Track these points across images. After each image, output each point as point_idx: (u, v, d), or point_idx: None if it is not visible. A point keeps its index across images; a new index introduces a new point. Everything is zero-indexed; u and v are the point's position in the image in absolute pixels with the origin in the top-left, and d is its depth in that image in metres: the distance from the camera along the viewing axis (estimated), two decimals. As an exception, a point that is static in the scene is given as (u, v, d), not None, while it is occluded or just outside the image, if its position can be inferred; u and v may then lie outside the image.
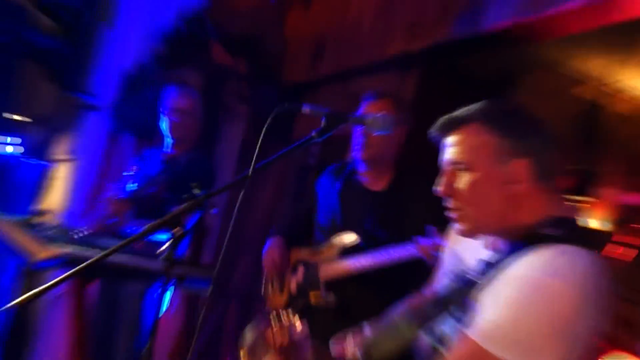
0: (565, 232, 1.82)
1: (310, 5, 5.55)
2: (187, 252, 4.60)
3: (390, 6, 4.55)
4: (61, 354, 3.91)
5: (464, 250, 2.22)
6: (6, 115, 4.96)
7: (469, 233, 1.99)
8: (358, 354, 2.20)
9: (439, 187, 2.00)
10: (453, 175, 1.96)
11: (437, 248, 3.12)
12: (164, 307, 4.84)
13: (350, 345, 2.25)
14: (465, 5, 3.82)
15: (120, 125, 5.70)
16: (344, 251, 3.52)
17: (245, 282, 5.47)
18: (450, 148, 1.98)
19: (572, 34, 3.82)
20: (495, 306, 1.79)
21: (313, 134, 2.25)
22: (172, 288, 4.55)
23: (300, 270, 3.67)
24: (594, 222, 5.92)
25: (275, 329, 2.03)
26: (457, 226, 2.00)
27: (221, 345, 5.64)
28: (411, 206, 3.50)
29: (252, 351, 2.14)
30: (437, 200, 3.13)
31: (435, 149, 2.79)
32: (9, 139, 4.99)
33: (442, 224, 2.75)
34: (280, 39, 5.72)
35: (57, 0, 4.78)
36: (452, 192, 1.97)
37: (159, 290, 3.15)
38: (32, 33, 4.73)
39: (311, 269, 3.65)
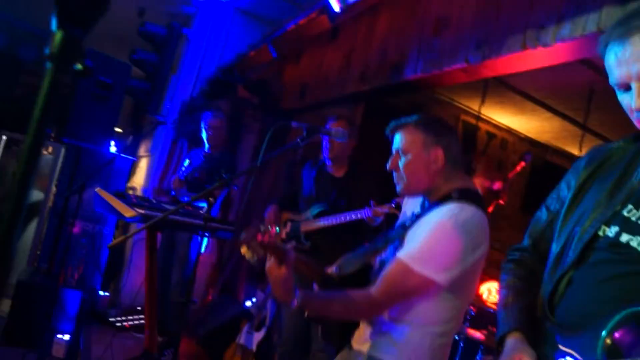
0: (465, 196, 1.95)
1: (299, 62, 5.81)
2: (219, 214, 4.99)
3: (348, 63, 4.73)
4: (141, 279, 3.85)
5: (408, 209, 2.27)
6: (115, 128, 5.33)
7: (405, 193, 2.14)
8: (334, 269, 2.18)
9: (389, 165, 2.12)
10: (397, 157, 2.10)
11: (380, 214, 3.36)
12: (203, 249, 5.44)
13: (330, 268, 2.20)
14: (393, 63, 3.96)
15: (178, 134, 6.16)
16: (317, 214, 3.67)
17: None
18: (396, 141, 2.11)
19: (458, 83, 4.21)
20: (416, 239, 1.94)
21: (298, 140, 2.49)
22: (207, 237, 4.88)
23: (288, 225, 3.80)
24: None
25: (265, 234, 1.86)
26: (398, 188, 2.13)
27: (240, 277, 5.97)
28: (359, 186, 3.72)
29: (250, 247, 2.00)
30: (375, 183, 3.68)
31: (374, 153, 3.39)
32: (112, 143, 5.30)
33: (379, 198, 3.42)
34: (280, 82, 6.07)
35: (144, 57, 5.14)
36: (396, 167, 2.10)
37: (200, 238, 3.83)
38: (129, 79, 5.13)
39: (295, 225, 3.77)
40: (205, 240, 5.50)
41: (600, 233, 1.37)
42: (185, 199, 4.79)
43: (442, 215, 1.92)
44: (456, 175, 2.08)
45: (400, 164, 2.09)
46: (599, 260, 1.36)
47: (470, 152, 6.15)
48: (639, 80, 1.26)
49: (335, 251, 2.36)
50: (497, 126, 7.13)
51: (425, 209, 2.05)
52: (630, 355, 1.14)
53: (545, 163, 7.51)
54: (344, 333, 2.20)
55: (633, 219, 1.33)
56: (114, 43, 6.29)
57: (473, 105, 6.30)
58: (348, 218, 3.47)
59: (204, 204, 3.24)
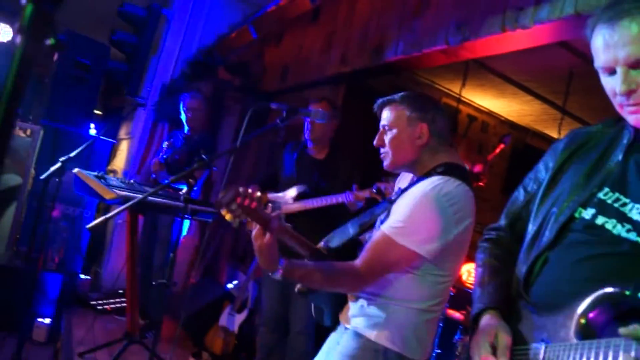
0: (450, 170, 1.98)
1: (280, 43, 5.78)
2: (200, 196, 5.02)
3: (329, 45, 4.71)
4: (122, 262, 3.90)
5: (397, 185, 2.31)
6: (95, 111, 5.23)
7: (391, 168, 2.14)
8: (322, 243, 2.21)
9: (376, 141, 2.13)
10: (383, 133, 2.11)
11: (362, 198, 3.35)
12: (184, 232, 5.54)
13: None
14: (374, 45, 3.95)
15: (159, 116, 6.10)
16: (297, 197, 3.64)
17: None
18: (382, 118, 2.13)
19: (439, 65, 4.21)
20: (399, 212, 1.95)
21: (277, 121, 2.46)
22: (194, 219, 4.98)
23: (269, 206, 3.56)
24: None
25: (245, 197, 1.81)
26: (384, 164, 2.14)
27: (221, 259, 6.00)
28: (340, 168, 3.73)
29: (230, 210, 1.86)
30: (356, 165, 3.68)
31: (355, 135, 3.36)
32: (92, 125, 5.32)
33: (360, 180, 3.45)
34: (260, 64, 6.03)
35: (124, 38, 5.08)
36: (382, 143, 2.12)
37: (181, 220, 3.80)
38: (108, 60, 5.14)
39: (276, 206, 3.75)
40: (187, 222, 5.52)
41: (577, 215, 1.38)
42: (165, 181, 4.75)
43: (425, 188, 1.93)
44: (442, 150, 2.09)
45: (386, 139, 2.10)
46: (574, 241, 1.37)
47: (452, 135, 5.95)
48: (625, 65, 1.26)
49: (316, 234, 2.32)
50: (477, 109, 7.15)
51: (411, 184, 2.07)
52: (603, 335, 1.14)
53: (525, 146, 7.55)
54: (335, 312, 2.21)
55: (609, 201, 1.34)
56: (92, 24, 6.12)
57: (454, 88, 6.29)
58: (329, 201, 3.47)
59: (184, 186, 3.19)
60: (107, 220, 2.63)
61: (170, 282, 3.13)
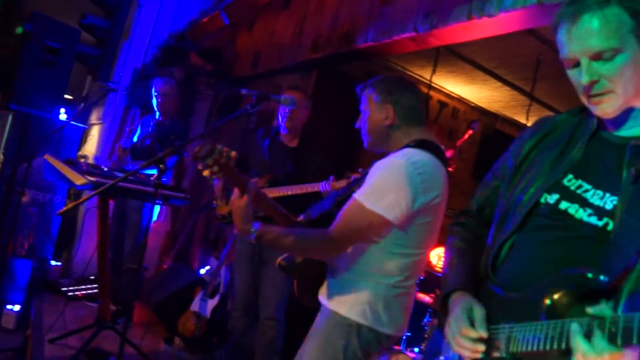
0: (422, 144, 2.06)
1: (252, 29, 5.77)
2: (171, 181, 5.05)
3: (300, 31, 4.75)
4: (93, 247, 3.83)
5: None
6: (65, 95, 5.16)
7: (369, 148, 2.27)
8: (301, 216, 2.27)
9: (356, 124, 2.26)
10: (360, 116, 2.25)
11: (338, 188, 3.22)
12: (155, 217, 5.46)
13: None
14: (344, 32, 4.00)
15: (130, 102, 6.03)
16: (270, 183, 3.61)
17: (209, 202, 5.53)
18: (361, 100, 2.26)
19: (408, 52, 4.24)
20: (370, 179, 2.02)
21: (248, 107, 2.45)
22: (160, 204, 4.92)
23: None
24: None
25: (222, 154, 1.81)
26: (364, 144, 2.27)
27: (194, 245, 6.02)
28: (312, 158, 3.72)
29: (205, 165, 1.84)
30: (327, 156, 3.71)
31: (326, 120, 3.32)
32: (62, 110, 5.10)
33: (332, 168, 3.43)
34: (233, 50, 5.98)
35: (95, 22, 5.08)
36: (358, 125, 2.26)
37: (151, 205, 3.77)
38: (79, 44, 4.94)
39: (250, 186, 3.86)
40: (157, 208, 5.49)
41: (542, 200, 1.43)
42: (130, 167, 4.77)
43: (395, 157, 2.02)
44: (415, 129, 2.16)
45: (361, 122, 2.23)
46: (539, 225, 1.42)
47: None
48: (587, 56, 1.30)
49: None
50: (448, 95, 7.19)
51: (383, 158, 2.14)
52: (567, 315, 1.19)
53: (495, 131, 7.62)
54: (315, 290, 2.24)
55: (572, 187, 1.39)
56: (62, 7, 5.93)
57: (425, 74, 6.31)
58: (307, 189, 3.47)
59: (155, 171, 3.17)
60: (77, 205, 2.61)
61: (141, 267, 3.10)
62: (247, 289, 3.73)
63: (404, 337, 3.83)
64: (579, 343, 1.11)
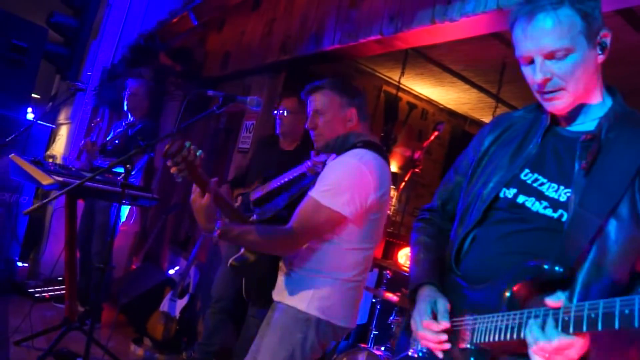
0: (368, 145, 2.17)
1: (221, 30, 5.77)
2: (141, 182, 4.98)
3: (269, 32, 4.78)
4: (61, 246, 3.77)
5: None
6: (33, 95, 5.05)
7: (323, 149, 2.31)
8: (254, 216, 2.36)
9: (308, 124, 2.28)
10: (315, 117, 2.27)
11: (319, 163, 3.35)
12: (124, 217, 5.40)
13: None
14: (312, 33, 4.02)
15: (99, 101, 6.00)
16: (262, 181, 3.54)
17: (178, 202, 5.75)
18: (313, 102, 2.28)
19: (377, 55, 4.24)
20: (324, 178, 2.11)
21: (214, 108, 2.40)
22: (133, 205, 4.71)
23: (239, 199, 3.74)
24: (392, 167, 6.63)
25: (190, 150, 1.78)
26: (317, 145, 2.29)
27: (163, 245, 6.00)
28: (303, 158, 3.66)
29: (174, 162, 1.76)
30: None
31: None
32: (29, 109, 5.14)
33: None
34: (202, 50, 5.98)
35: (63, 21, 5.00)
36: (315, 126, 2.27)
37: (119, 205, 3.72)
38: (47, 43, 4.94)
39: (244, 196, 3.67)
40: (126, 208, 5.44)
41: (501, 195, 1.48)
42: (100, 162, 4.70)
43: (348, 156, 2.11)
44: (365, 131, 2.29)
45: (319, 122, 2.25)
46: (499, 219, 1.48)
47: (392, 122, 6.10)
48: (541, 55, 1.35)
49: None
50: (417, 97, 7.26)
51: (334, 158, 2.23)
52: (525, 306, 1.25)
53: (463, 132, 7.72)
54: (263, 291, 2.32)
55: (529, 181, 1.45)
56: (29, 6, 6.02)
57: (394, 76, 6.38)
58: (290, 176, 3.39)
59: (121, 170, 3.16)
60: (43, 205, 2.57)
61: (108, 266, 3.08)
62: (226, 288, 3.76)
63: (372, 336, 3.87)
64: (532, 331, 1.17)
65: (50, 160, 5.53)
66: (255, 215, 2.32)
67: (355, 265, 2.18)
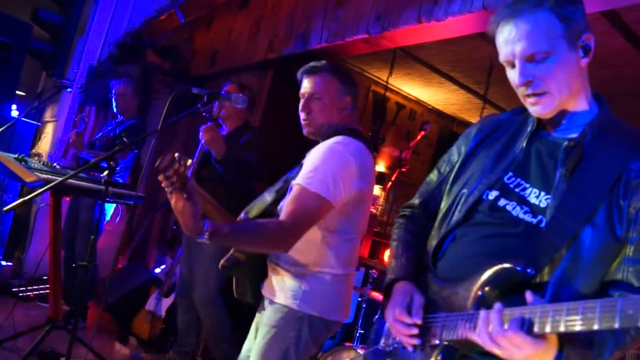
0: (353, 133, 2.16)
1: (209, 28, 5.74)
2: (128, 180, 4.88)
3: (257, 32, 4.80)
4: (45, 245, 3.71)
5: None
6: (18, 92, 5.02)
7: (313, 133, 2.27)
8: (242, 215, 2.24)
9: (302, 106, 2.23)
10: (310, 101, 2.22)
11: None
12: (109, 216, 5.38)
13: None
14: (299, 32, 4.04)
15: (86, 99, 5.92)
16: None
17: (165, 200, 5.58)
18: (311, 84, 2.22)
19: (365, 54, 4.41)
20: (309, 164, 2.07)
21: (199, 105, 2.41)
22: (118, 203, 4.58)
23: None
24: (380, 166, 6.69)
25: (180, 162, 1.67)
26: (306, 130, 2.26)
27: (149, 244, 5.97)
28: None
29: (167, 177, 1.68)
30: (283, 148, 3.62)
31: (282, 121, 3.26)
32: (14, 106, 5.11)
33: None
34: (190, 48, 5.93)
35: (49, 18, 4.97)
36: (309, 110, 2.22)
37: (104, 204, 3.69)
38: (32, 40, 4.87)
39: None
40: (111, 206, 5.41)
41: (484, 197, 1.49)
42: (86, 155, 4.71)
43: (332, 143, 2.08)
44: (350, 119, 2.26)
45: (315, 106, 2.20)
46: (479, 221, 1.49)
47: (380, 122, 6.10)
48: (522, 58, 1.37)
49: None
50: (406, 97, 7.27)
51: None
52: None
53: (451, 133, 7.73)
54: (257, 287, 2.27)
55: (511, 185, 1.46)
56: (14, 1, 5.92)
57: (382, 76, 6.36)
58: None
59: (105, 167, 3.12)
60: (26, 203, 2.53)
61: (91, 264, 3.06)
62: (190, 286, 3.78)
63: (357, 335, 3.88)
64: (490, 327, 1.19)
65: (36, 158, 5.45)
66: (243, 214, 2.24)
67: (344, 258, 2.16)
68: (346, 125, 2.22)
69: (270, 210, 2.20)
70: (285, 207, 2.02)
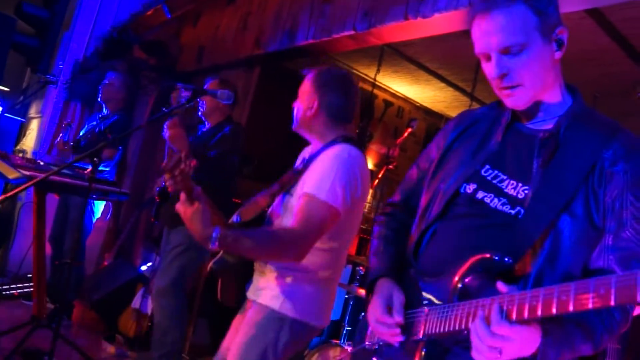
0: (349, 140, 2.17)
1: (196, 24, 5.72)
2: (115, 178, 4.92)
3: (244, 28, 4.76)
4: (30, 241, 3.71)
5: (298, 162, 2.43)
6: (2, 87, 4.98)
7: (295, 128, 2.31)
8: (234, 217, 2.27)
9: (295, 103, 2.29)
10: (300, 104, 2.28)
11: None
12: (98, 214, 5.34)
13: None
14: (286, 28, 4.03)
15: (71, 95, 5.89)
16: None
17: (152, 198, 5.12)
18: (302, 88, 2.29)
19: (353, 51, 4.47)
20: (316, 173, 2.09)
21: (184, 101, 2.47)
22: (102, 200, 4.80)
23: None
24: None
25: (186, 162, 1.78)
26: (294, 125, 2.30)
27: (135, 241, 5.88)
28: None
29: (172, 176, 1.81)
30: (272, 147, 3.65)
31: (269, 116, 3.25)
32: None
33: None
34: (177, 44, 5.88)
35: (33, 12, 4.89)
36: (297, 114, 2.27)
37: (92, 201, 3.66)
38: (16, 34, 4.84)
39: None
40: (98, 203, 5.38)
41: (462, 190, 1.51)
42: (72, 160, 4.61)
43: (336, 152, 2.10)
44: (339, 127, 2.25)
45: (296, 105, 2.28)
46: (458, 214, 1.50)
47: (368, 120, 6.09)
48: (497, 51, 1.38)
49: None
50: (393, 95, 7.30)
51: (315, 153, 2.21)
52: (476, 296, 1.27)
53: (438, 130, 7.70)
54: (241, 289, 2.30)
55: (489, 178, 1.48)
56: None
57: (370, 73, 6.40)
58: None
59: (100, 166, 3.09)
60: (7, 199, 2.51)
61: (75, 261, 3.03)
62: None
63: (344, 332, 3.89)
64: (477, 321, 1.20)
65: (20, 154, 5.45)
66: (235, 217, 2.25)
67: (331, 263, 2.18)
68: (346, 134, 2.24)
69: (265, 215, 2.22)
70: (295, 215, 2.02)
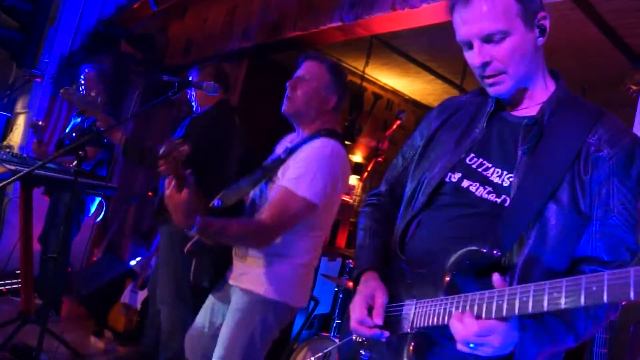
0: (332, 134, 2.23)
1: (184, 17, 5.68)
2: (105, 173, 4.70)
3: (231, 20, 4.77)
4: (17, 237, 3.78)
5: (279, 148, 2.46)
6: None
7: (289, 112, 2.30)
8: (216, 202, 2.28)
9: (290, 82, 2.29)
10: (299, 80, 2.29)
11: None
12: (85, 208, 5.37)
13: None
14: (273, 20, 4.05)
15: (57, 90, 5.64)
16: None
17: (140, 192, 5.63)
18: (305, 68, 2.31)
19: (342, 43, 4.44)
20: (296, 167, 2.14)
21: (170, 94, 2.48)
22: (91, 195, 4.64)
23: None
24: (357, 157, 6.70)
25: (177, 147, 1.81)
26: (285, 107, 2.29)
27: (124, 236, 5.90)
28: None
29: (167, 163, 1.81)
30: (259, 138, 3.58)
31: (257, 109, 3.21)
32: None
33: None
34: (164, 37, 5.84)
35: (17, 5, 4.90)
36: (293, 88, 2.27)
37: (88, 201, 3.62)
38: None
39: None
40: (96, 201, 5.34)
41: (447, 179, 1.49)
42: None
43: (319, 146, 2.16)
44: (332, 119, 2.33)
45: (300, 87, 2.26)
46: (444, 203, 1.49)
47: (357, 112, 6.09)
48: (478, 38, 1.37)
49: None
50: (383, 87, 7.24)
51: (298, 143, 2.25)
52: (464, 290, 1.26)
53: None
54: (217, 273, 2.38)
55: (474, 166, 1.46)
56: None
57: (358, 65, 6.26)
58: None
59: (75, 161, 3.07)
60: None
61: (61, 255, 3.01)
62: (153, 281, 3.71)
63: (334, 325, 3.88)
64: (454, 317, 1.20)
65: (7, 150, 5.40)
66: (217, 201, 2.29)
67: (310, 248, 2.28)
68: (329, 127, 2.28)
69: (245, 201, 2.32)
70: (269, 206, 2.11)
